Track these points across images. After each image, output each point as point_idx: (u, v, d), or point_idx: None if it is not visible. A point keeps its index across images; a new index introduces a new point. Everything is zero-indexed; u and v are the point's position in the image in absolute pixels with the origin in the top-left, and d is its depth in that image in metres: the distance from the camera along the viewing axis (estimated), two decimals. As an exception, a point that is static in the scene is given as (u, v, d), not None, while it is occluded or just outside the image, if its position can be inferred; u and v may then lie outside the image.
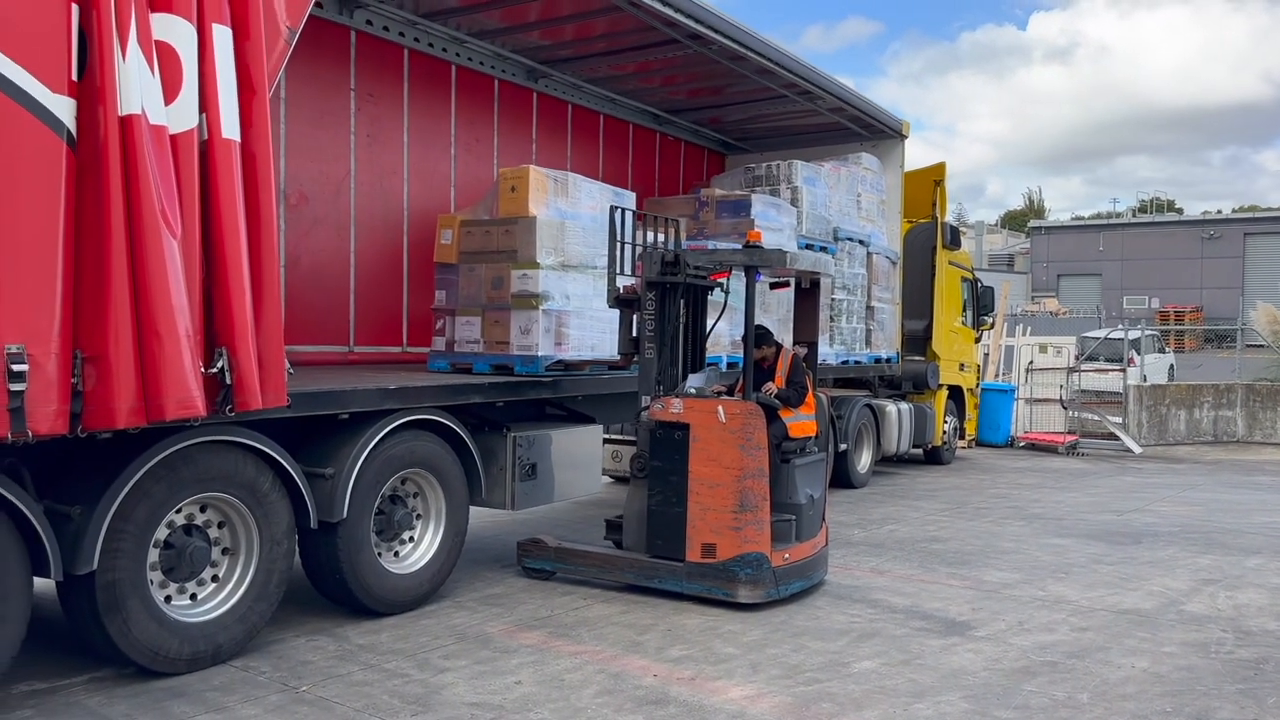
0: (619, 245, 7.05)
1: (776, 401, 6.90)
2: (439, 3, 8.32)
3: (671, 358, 7.01)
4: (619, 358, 7.44)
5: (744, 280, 6.86)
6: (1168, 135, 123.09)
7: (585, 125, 10.80)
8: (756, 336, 7.11)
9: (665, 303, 6.91)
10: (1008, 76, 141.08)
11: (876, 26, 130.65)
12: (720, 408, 6.41)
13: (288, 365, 4.97)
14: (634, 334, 7.06)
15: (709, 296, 7.38)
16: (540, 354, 7.20)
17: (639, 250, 7.18)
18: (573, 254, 7.39)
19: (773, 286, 7.93)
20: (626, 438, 11.03)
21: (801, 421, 7.00)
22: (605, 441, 10.72)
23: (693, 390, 7.03)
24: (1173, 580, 7.35)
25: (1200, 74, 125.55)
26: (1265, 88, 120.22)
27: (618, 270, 7.00)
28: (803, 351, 7.37)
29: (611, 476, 11.32)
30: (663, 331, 6.90)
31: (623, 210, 7.12)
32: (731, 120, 12.31)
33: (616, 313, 7.15)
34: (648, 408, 6.76)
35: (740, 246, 6.98)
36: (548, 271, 7.27)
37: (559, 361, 7.37)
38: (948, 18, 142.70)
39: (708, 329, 7.38)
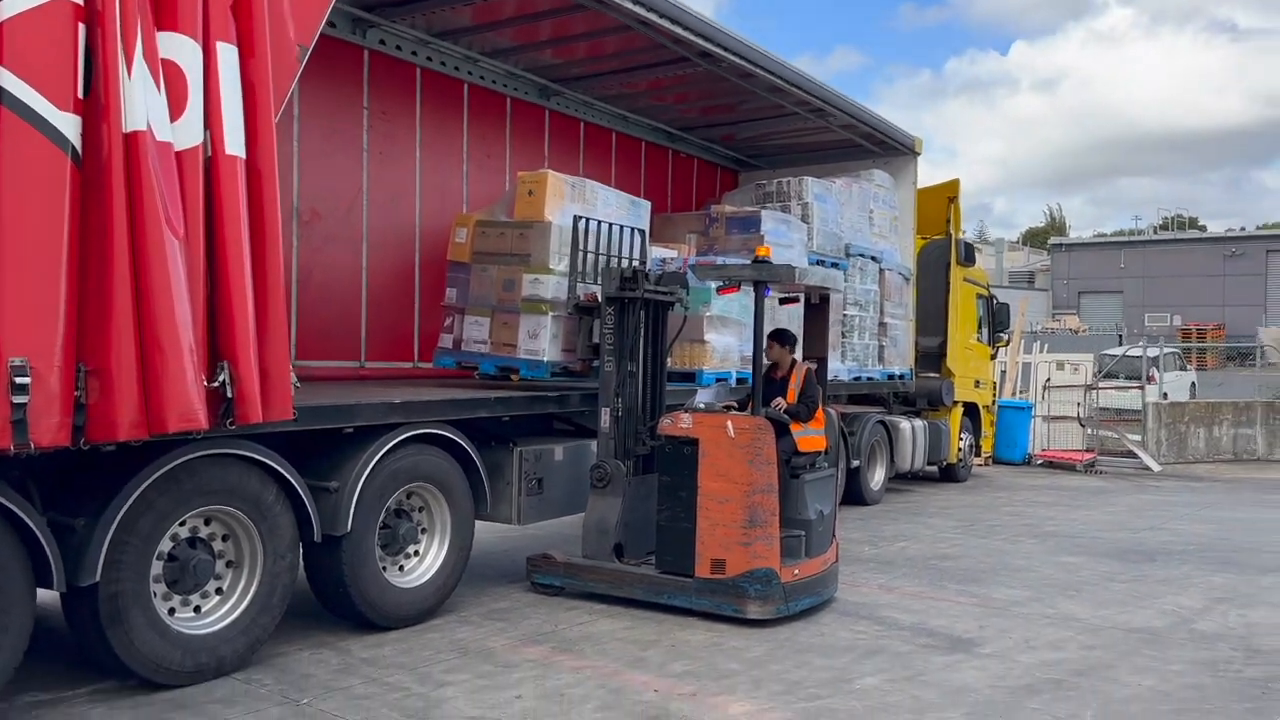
0: (580, 254, 7.20)
1: (786, 417, 6.89)
2: (451, 22, 8.41)
3: (631, 370, 7.06)
4: (578, 363, 7.52)
5: (752, 296, 6.86)
6: (1164, 157, 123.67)
7: (597, 142, 10.86)
8: (779, 335, 7.16)
9: (624, 316, 6.99)
10: (998, 101, 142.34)
11: (864, 58, 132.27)
12: (729, 423, 6.41)
13: (294, 379, 5.01)
14: (592, 341, 7.20)
15: (669, 311, 7.41)
16: (546, 359, 7.23)
17: (606, 260, 7.35)
18: (587, 261, 7.42)
19: (782, 302, 8.01)
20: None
21: (811, 436, 6.98)
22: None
23: (701, 405, 7.04)
24: (1185, 598, 7.27)
25: (1188, 99, 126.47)
26: (1254, 110, 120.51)
27: (579, 279, 7.19)
28: (813, 367, 7.38)
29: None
30: (621, 345, 6.97)
31: (586, 219, 7.24)
32: (744, 138, 12.35)
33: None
34: (616, 418, 6.91)
35: (749, 262, 7.02)
36: (560, 278, 7.30)
37: (565, 368, 7.40)
38: (931, 46, 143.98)
39: (668, 343, 7.44)
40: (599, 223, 7.44)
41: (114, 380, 4.15)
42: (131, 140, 4.22)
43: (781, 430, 6.72)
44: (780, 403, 6.95)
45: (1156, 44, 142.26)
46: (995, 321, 15.06)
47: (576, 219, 7.17)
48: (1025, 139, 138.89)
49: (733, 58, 8.94)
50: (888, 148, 12.32)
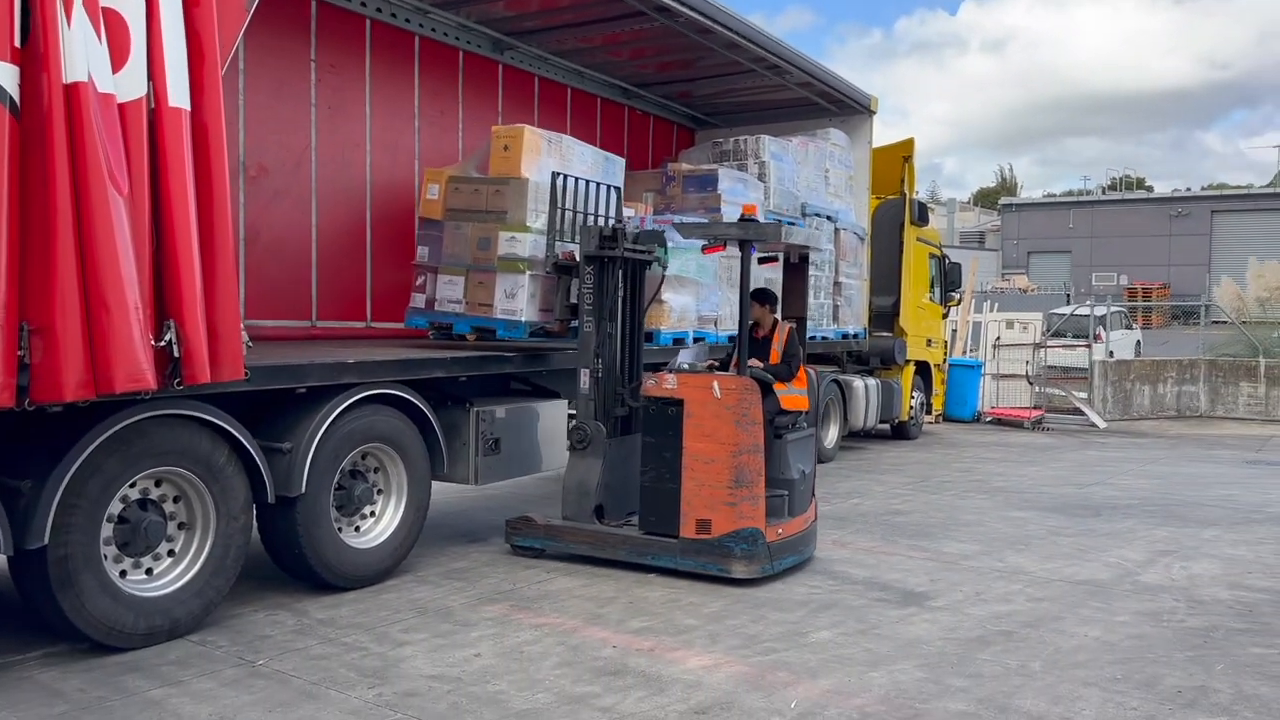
0: (559, 212, 7.07)
1: (770, 376, 6.85)
2: (401, -28, 8.22)
3: (610, 331, 7.02)
4: (556, 323, 7.43)
5: (741, 255, 6.72)
6: (1110, 118, 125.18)
7: (552, 98, 10.71)
8: (760, 295, 7.10)
9: (604, 276, 6.91)
10: (948, 62, 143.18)
11: (816, 17, 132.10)
12: (715, 383, 6.36)
13: (245, 339, 4.92)
14: (570, 300, 7.12)
15: (647, 270, 7.36)
16: (524, 319, 7.13)
17: (581, 218, 7.21)
18: (565, 218, 7.29)
19: (761, 261, 7.97)
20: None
21: (794, 396, 7.00)
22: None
23: (685, 365, 7.00)
24: (1129, 551, 7.46)
25: (1133, 60, 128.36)
26: (1197, 73, 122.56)
27: (556, 237, 7.06)
28: (794, 326, 7.35)
29: (580, 452, 11.36)
30: (600, 305, 6.90)
31: (564, 176, 7.08)
32: (701, 95, 12.26)
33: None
34: (596, 379, 6.89)
35: (735, 221, 6.97)
36: (538, 235, 7.17)
37: (542, 328, 7.29)
38: (881, 5, 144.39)
39: (646, 302, 7.39)
40: (575, 179, 7.32)
41: (58, 339, 4.05)
42: (72, 91, 4.09)
43: (766, 390, 6.70)
44: (757, 363, 6.89)
45: (1102, 6, 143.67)
46: (947, 281, 15.21)
47: (555, 175, 7.03)
48: (974, 99, 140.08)
49: (690, 12, 8.84)
50: (844, 107, 12.31)
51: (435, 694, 4.47)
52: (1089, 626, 5.62)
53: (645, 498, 6.58)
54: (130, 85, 4.38)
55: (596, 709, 4.35)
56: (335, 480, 5.88)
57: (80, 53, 4.11)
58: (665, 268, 7.49)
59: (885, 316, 13.59)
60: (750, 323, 7.02)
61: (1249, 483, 10.79)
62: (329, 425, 5.68)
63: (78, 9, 4.12)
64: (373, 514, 6.27)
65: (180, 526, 5.17)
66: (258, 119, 7.57)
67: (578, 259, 7.02)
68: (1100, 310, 20.96)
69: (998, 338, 19.28)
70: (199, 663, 4.77)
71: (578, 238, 7.14)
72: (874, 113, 12.62)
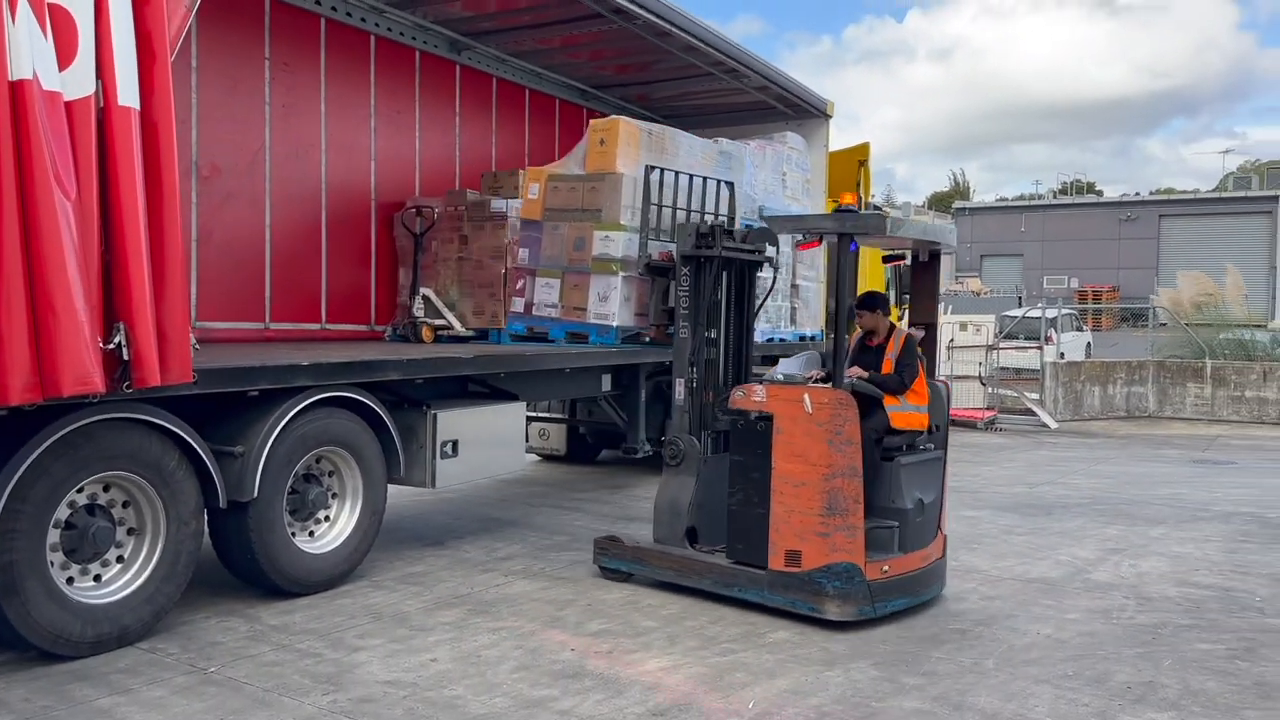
0: (655, 209, 6.49)
1: (874, 388, 6.02)
2: (357, -29, 8.15)
3: (711, 337, 6.48)
4: (651, 328, 6.89)
5: (838, 252, 5.89)
6: (1055, 125, 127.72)
7: (511, 100, 10.69)
8: (866, 300, 6.37)
9: (700, 278, 6.34)
10: (897, 69, 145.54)
11: (766, 25, 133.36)
12: (806, 396, 5.64)
13: (194, 341, 4.85)
14: (666, 304, 6.58)
15: (758, 273, 6.74)
16: (616, 323, 6.68)
17: (679, 216, 6.58)
18: (664, 216, 6.73)
19: (887, 260, 7.24)
20: (555, 416, 11.04)
21: (909, 413, 6.11)
22: (531, 419, 10.77)
23: (780, 376, 6.20)
24: (1080, 550, 7.58)
25: (1075, 69, 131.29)
26: (1137, 81, 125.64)
27: (649, 235, 6.49)
28: (920, 334, 6.49)
29: (538, 455, 11.33)
30: (697, 309, 6.34)
31: (661, 170, 6.46)
32: (659, 97, 12.27)
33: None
34: (691, 389, 6.33)
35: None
36: (631, 234, 6.70)
37: (636, 334, 6.78)
38: (829, 13, 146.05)
39: (755, 307, 6.71)
40: (677, 174, 6.72)
41: (4, 342, 3.97)
42: (17, 89, 4.01)
43: (873, 405, 5.96)
44: (860, 372, 6.09)
45: (1043, 17, 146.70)
46: (902, 284, 15.36)
47: (648, 169, 6.52)
48: (924, 106, 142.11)
49: (647, 15, 8.85)
50: (800, 110, 12.39)
51: (391, 700, 4.43)
52: (1041, 624, 5.70)
53: (733, 523, 5.96)
54: (77, 84, 4.30)
55: (554, 712, 4.34)
56: (289, 484, 5.81)
57: (25, 49, 4.03)
58: (777, 269, 6.87)
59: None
60: (862, 331, 6.39)
61: (1196, 481, 11.02)
62: (282, 428, 5.61)
63: (22, 5, 4.04)
64: (327, 518, 6.20)
65: (130, 532, 5.08)
66: (211, 118, 7.47)
67: (675, 259, 6.53)
68: (1051, 313, 21.29)
69: (951, 339, 19.51)
70: (149, 670, 4.69)
71: (657, 235, 6.67)
72: (830, 117, 12.71)
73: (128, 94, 4.46)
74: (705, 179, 6.99)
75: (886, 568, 5.65)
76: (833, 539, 5.52)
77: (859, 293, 6.53)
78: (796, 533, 5.60)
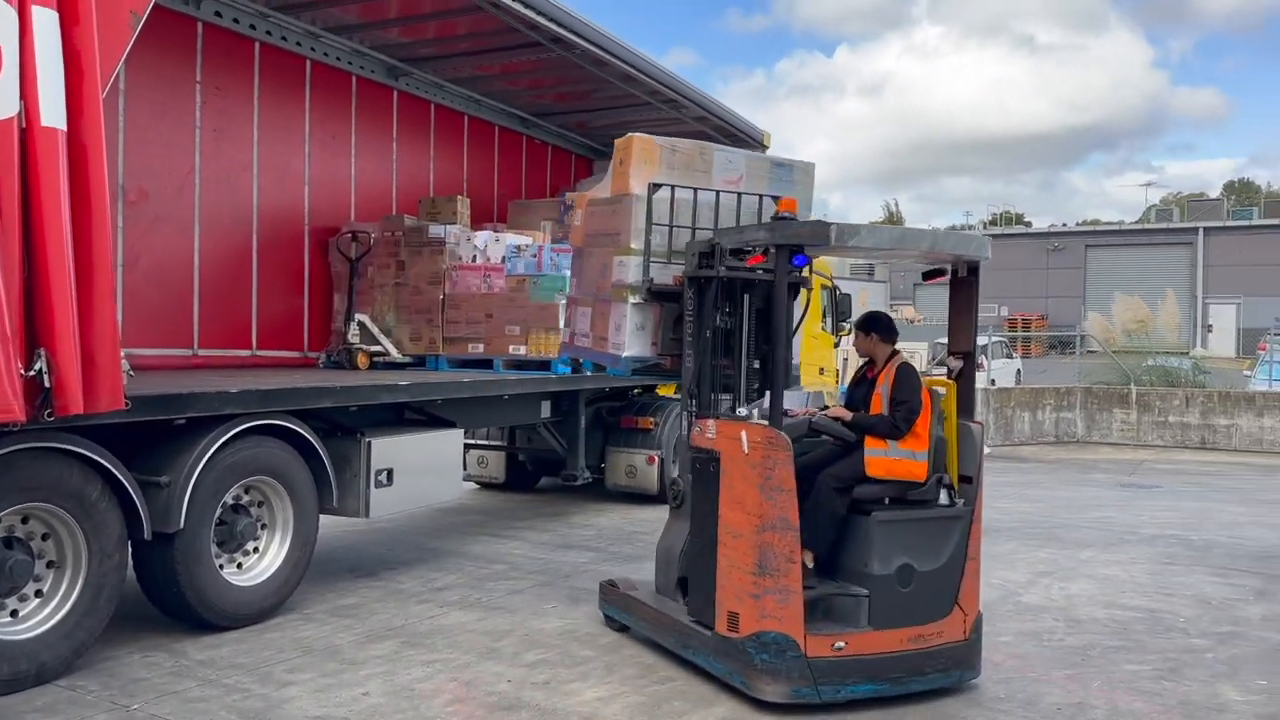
0: (668, 229, 5.94)
1: (845, 430, 5.24)
2: (292, -5, 8.08)
3: (724, 365, 5.87)
4: (665, 358, 6.31)
5: (775, 267, 5.11)
6: (981, 159, 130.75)
7: (449, 125, 10.66)
8: (871, 322, 5.60)
9: (703, 301, 5.72)
10: (827, 104, 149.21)
11: (699, 59, 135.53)
12: (744, 433, 4.90)
13: (126, 367, 4.73)
14: (676, 332, 6.09)
15: (794, 297, 5.98)
16: (625, 353, 6.25)
17: (690, 235, 5.91)
18: (673, 236, 6.16)
19: (927, 277, 5.93)
20: (493, 443, 10.94)
21: (895, 459, 5.11)
22: (470, 447, 10.66)
23: (754, 411, 5.32)
24: (1012, 573, 7.70)
25: (998, 105, 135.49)
26: (1057, 116, 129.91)
27: (650, 259, 5.92)
28: (956, 365, 5.51)
29: (477, 483, 11.22)
30: (699, 334, 5.74)
31: (671, 188, 5.90)
32: (598, 126, 12.33)
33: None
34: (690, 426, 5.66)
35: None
36: (639, 258, 6.17)
37: (655, 365, 6.40)
38: (760, 49, 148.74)
39: (789, 332, 5.63)
40: (696, 191, 6.11)
41: (-85, 369, 3.82)
42: (-67, 108, 3.88)
43: (851, 447, 5.22)
44: (839, 412, 5.40)
45: (966, 56, 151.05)
46: (839, 311, 15.57)
47: (652, 187, 6.01)
48: (855, 139, 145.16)
49: (586, 44, 8.90)
50: (738, 141, 12.47)
51: (322, 735, 4.33)
52: (974, 648, 5.76)
53: (690, 574, 5.37)
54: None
55: (490, 745, 4.27)
56: (216, 515, 5.67)
57: (-57, 68, 3.91)
58: (810, 290, 6.25)
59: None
60: (863, 360, 5.67)
61: (1123, 505, 11.28)
62: (210, 458, 5.48)
63: (-59, 23, 3.93)
64: (256, 550, 6.05)
65: (49, 565, 4.90)
66: (139, 141, 7.33)
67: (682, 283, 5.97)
68: (982, 340, 21.75)
69: (887, 366, 19.80)
70: (68, 709, 4.52)
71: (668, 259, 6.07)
72: (767, 147, 12.86)
73: (52, 115, 4.35)
74: (741, 195, 6.33)
75: (841, 644, 4.77)
76: (763, 603, 4.72)
77: (864, 313, 5.94)
78: (735, 592, 4.87)
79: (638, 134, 6.31)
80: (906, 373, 5.26)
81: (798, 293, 6.04)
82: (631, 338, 6.19)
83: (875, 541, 4.98)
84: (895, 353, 5.46)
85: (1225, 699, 5.02)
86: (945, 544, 5.11)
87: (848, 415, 5.32)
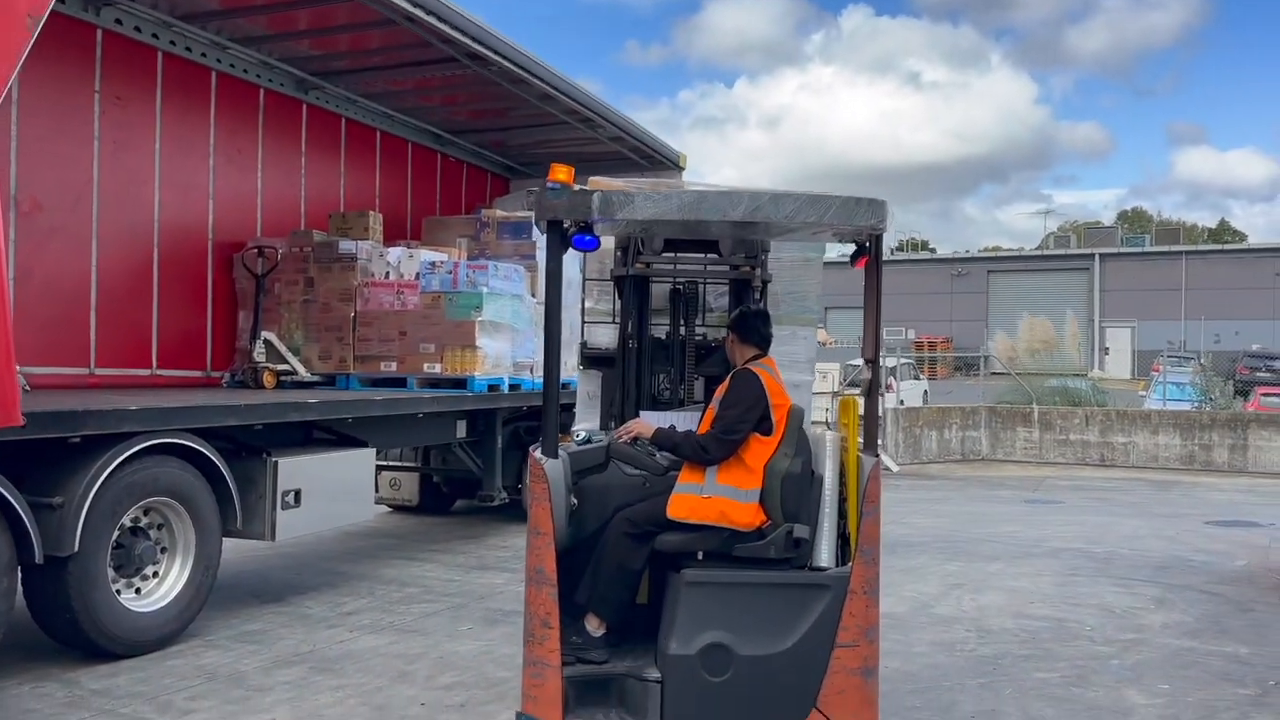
0: (587, 282, 5.19)
1: (646, 456, 4.18)
2: (197, 4, 7.86)
3: (663, 380, 5.01)
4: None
5: (546, 249, 4.01)
6: (878, 188, 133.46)
7: (361, 140, 10.48)
8: (739, 322, 4.44)
9: (626, 303, 4.96)
10: (730, 135, 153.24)
11: (604, 88, 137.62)
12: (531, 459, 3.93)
13: (22, 383, 4.50)
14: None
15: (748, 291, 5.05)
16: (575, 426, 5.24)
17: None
18: None
19: (857, 263, 4.58)
20: (406, 464, 10.71)
21: (710, 498, 3.88)
22: (382, 468, 10.42)
23: (581, 432, 4.58)
24: (924, 586, 7.82)
25: (890, 137, 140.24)
26: (947, 147, 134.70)
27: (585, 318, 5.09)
28: (865, 380, 4.33)
29: (389, 505, 10.96)
30: (623, 343, 4.98)
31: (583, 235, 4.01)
32: (515, 144, 12.28)
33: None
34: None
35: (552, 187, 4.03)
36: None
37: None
38: (663, 80, 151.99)
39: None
40: None
41: None
42: None
43: (663, 483, 4.10)
44: (638, 427, 4.21)
45: (857, 93, 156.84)
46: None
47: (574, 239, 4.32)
48: (758, 167, 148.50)
49: (503, 61, 8.85)
50: (655, 161, 12.58)
51: (225, 765, 4.14)
52: (889, 658, 5.79)
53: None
54: (-123, 102, 3.95)
55: (403, 770, 4.13)
56: (113, 538, 5.42)
57: None
58: (766, 283, 5.15)
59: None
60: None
61: (1028, 519, 11.57)
62: (106, 478, 5.23)
63: None
64: (156, 574, 5.80)
65: (-73, 594, 4.62)
66: (32, 151, 7.02)
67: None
68: (891, 362, 22.19)
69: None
70: (-54, 747, 4.25)
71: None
72: (683, 169, 12.95)
73: (-64, 116, 4.13)
74: None
75: None
76: (524, 678, 3.74)
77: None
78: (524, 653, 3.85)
79: (600, 177, 5.66)
80: (741, 379, 4.09)
81: (747, 289, 5.04)
82: (582, 409, 5.40)
83: (678, 608, 3.77)
84: (756, 356, 4.27)
85: (1131, 703, 5.15)
86: (792, 622, 3.74)
87: (649, 430, 4.13)
